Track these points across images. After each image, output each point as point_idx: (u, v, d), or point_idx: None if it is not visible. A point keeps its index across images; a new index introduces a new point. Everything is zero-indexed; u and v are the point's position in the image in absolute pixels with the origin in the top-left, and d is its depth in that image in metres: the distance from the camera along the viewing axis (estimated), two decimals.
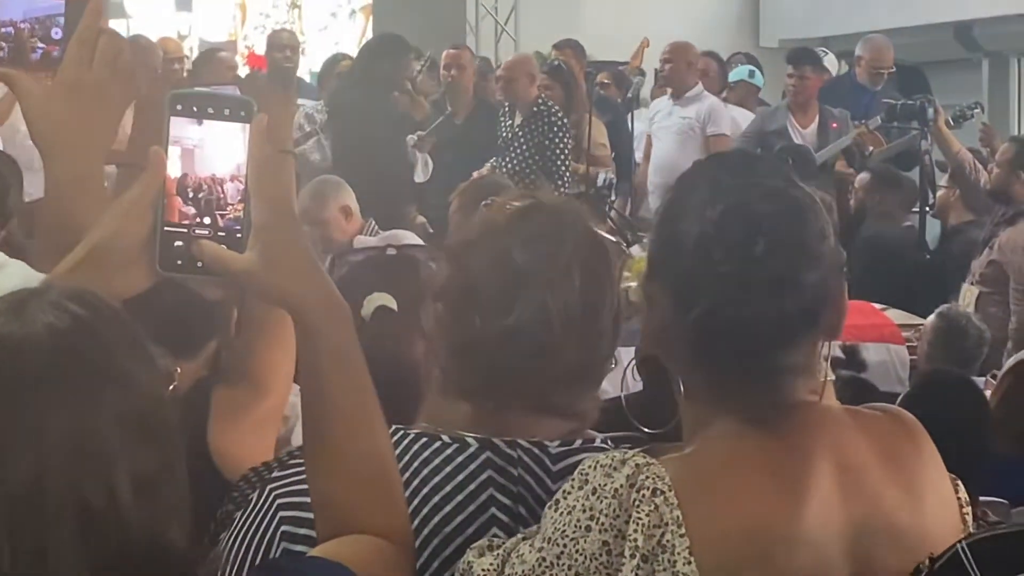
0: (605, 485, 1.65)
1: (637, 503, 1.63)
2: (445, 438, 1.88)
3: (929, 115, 8.50)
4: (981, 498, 3.67)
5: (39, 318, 1.37)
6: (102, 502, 1.32)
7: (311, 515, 1.77)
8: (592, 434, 1.92)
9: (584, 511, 1.65)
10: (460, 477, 1.86)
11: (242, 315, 3.23)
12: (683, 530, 1.62)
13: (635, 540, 1.62)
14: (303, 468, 1.85)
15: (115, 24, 12.19)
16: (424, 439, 1.89)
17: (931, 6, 13.36)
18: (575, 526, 1.64)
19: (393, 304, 2.30)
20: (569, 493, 1.68)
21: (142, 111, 3.16)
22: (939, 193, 8.04)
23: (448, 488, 1.85)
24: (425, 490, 1.85)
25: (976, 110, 8.93)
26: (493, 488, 1.85)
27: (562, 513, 1.66)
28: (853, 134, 8.72)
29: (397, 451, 1.85)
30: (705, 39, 12.08)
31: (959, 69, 14.04)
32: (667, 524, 1.62)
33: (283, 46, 9.82)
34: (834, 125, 8.84)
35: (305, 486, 1.82)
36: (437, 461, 1.87)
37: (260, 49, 12.26)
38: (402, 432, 1.90)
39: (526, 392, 1.87)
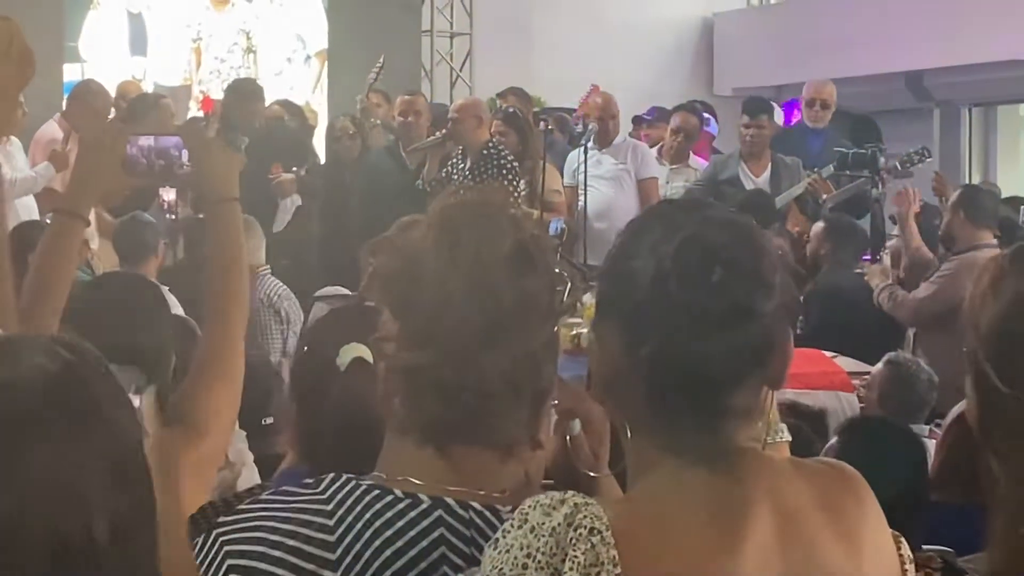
0: (543, 523, 1.65)
1: (574, 542, 1.63)
2: (398, 492, 1.86)
3: (880, 163, 8.58)
4: (928, 547, 3.68)
5: (31, 361, 1.37)
6: (80, 542, 1.32)
7: (260, 563, 1.78)
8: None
9: (522, 549, 1.64)
10: (412, 533, 1.84)
11: (183, 360, 3.21)
12: (619, 570, 1.62)
13: None
14: (251, 513, 1.85)
15: (69, 68, 12.20)
16: (376, 491, 1.87)
17: (882, 56, 13.50)
18: (512, 564, 1.64)
19: (369, 356, 2.29)
20: (508, 532, 1.67)
21: (85, 154, 3.15)
22: (891, 243, 8.08)
23: (400, 543, 1.83)
24: (377, 543, 1.82)
25: (928, 159, 8.99)
26: (446, 547, 1.84)
27: (501, 551, 1.66)
28: (805, 182, 8.78)
29: (349, 501, 1.84)
30: (660, 87, 12.18)
31: (910, 118, 14.19)
32: (603, 563, 1.62)
33: (251, 97, 9.72)
34: (785, 176, 8.89)
35: (254, 532, 1.81)
36: (389, 515, 1.84)
37: (215, 94, 12.27)
38: (354, 483, 1.88)
39: (468, 423, 1.85)
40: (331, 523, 1.83)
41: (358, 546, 1.81)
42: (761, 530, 1.70)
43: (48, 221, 5.54)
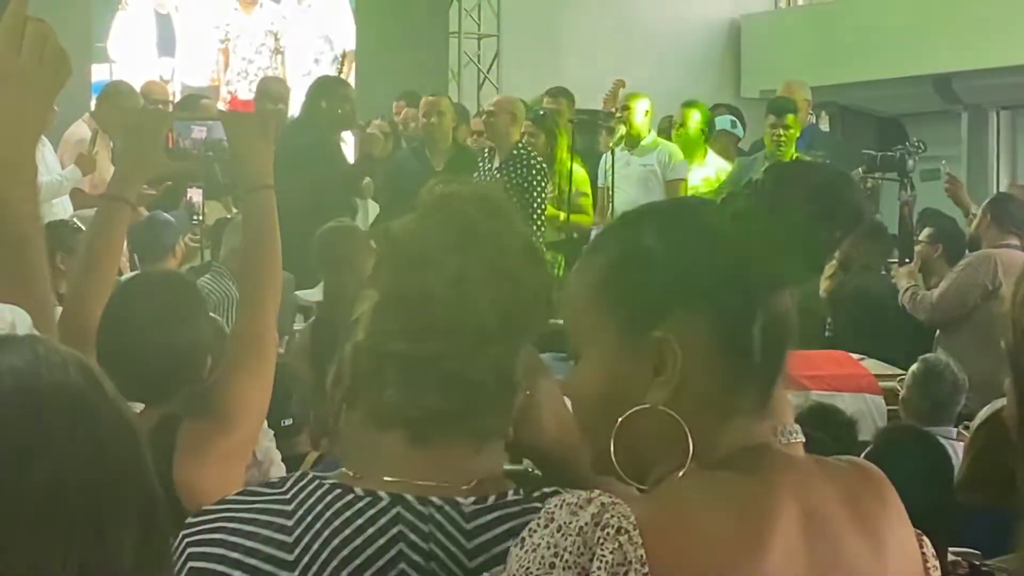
0: (570, 523, 1.64)
1: (601, 541, 1.62)
2: (358, 490, 1.86)
3: (909, 166, 8.56)
4: (955, 549, 3.67)
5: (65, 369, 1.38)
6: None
7: (219, 565, 1.79)
8: (506, 488, 1.88)
9: (549, 548, 1.63)
10: (370, 531, 1.83)
11: (218, 356, 3.23)
12: (646, 569, 1.61)
13: None
14: (215, 514, 1.86)
15: (97, 69, 12.24)
16: (338, 490, 1.87)
17: (911, 58, 13.45)
18: (539, 563, 1.63)
19: None
20: (535, 531, 1.66)
21: (129, 141, 3.21)
22: (919, 248, 8.05)
23: (358, 541, 1.82)
24: (336, 541, 1.82)
25: (923, 151, 8.95)
26: (403, 544, 1.82)
27: (527, 551, 1.65)
28: None
29: (310, 501, 1.85)
30: (687, 89, 12.14)
31: (938, 121, 14.14)
32: (631, 562, 1.61)
33: (275, 98, 9.78)
34: None
35: (215, 534, 1.82)
36: (348, 513, 1.84)
37: (243, 94, 12.31)
38: (318, 482, 1.88)
39: (447, 410, 1.85)
40: (290, 523, 1.83)
41: (316, 545, 1.81)
42: (787, 528, 1.69)
43: (75, 220, 5.58)
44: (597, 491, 1.68)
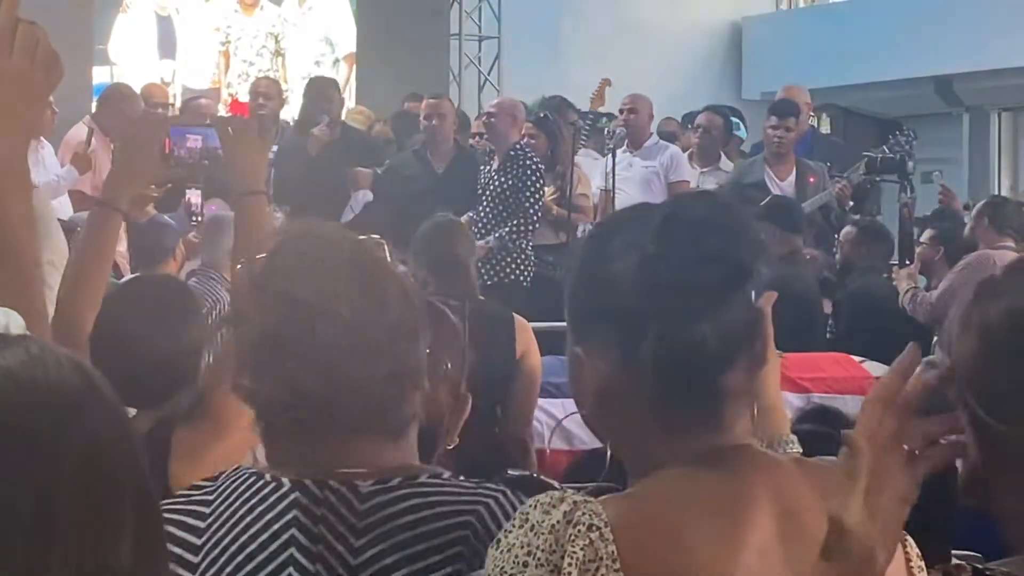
0: (543, 522, 1.67)
1: (573, 538, 1.65)
2: (267, 477, 1.94)
3: (909, 168, 8.57)
4: (958, 552, 3.66)
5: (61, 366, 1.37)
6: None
7: None
8: (419, 472, 1.94)
9: (522, 547, 1.67)
10: (269, 516, 1.91)
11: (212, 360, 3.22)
12: (617, 565, 1.63)
13: (570, 575, 1.63)
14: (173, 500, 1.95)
15: (98, 71, 12.23)
16: (252, 478, 1.95)
17: (912, 60, 13.46)
18: (513, 562, 1.66)
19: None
20: (510, 532, 1.70)
21: (124, 148, 3.20)
22: (920, 250, 8.07)
23: (256, 527, 1.91)
24: (238, 528, 1.91)
25: (915, 140, 8.99)
26: (296, 528, 1.89)
27: (503, 551, 1.68)
28: (835, 189, 8.73)
29: (228, 491, 1.95)
30: (689, 91, 12.17)
31: (940, 123, 14.16)
32: (602, 559, 1.64)
33: (258, 93, 9.84)
34: (811, 179, 8.84)
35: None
36: (254, 501, 1.92)
37: (243, 97, 12.31)
38: (245, 473, 1.97)
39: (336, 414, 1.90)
40: (207, 511, 1.94)
41: (221, 532, 1.91)
42: (761, 527, 1.70)
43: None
44: (570, 491, 1.70)
